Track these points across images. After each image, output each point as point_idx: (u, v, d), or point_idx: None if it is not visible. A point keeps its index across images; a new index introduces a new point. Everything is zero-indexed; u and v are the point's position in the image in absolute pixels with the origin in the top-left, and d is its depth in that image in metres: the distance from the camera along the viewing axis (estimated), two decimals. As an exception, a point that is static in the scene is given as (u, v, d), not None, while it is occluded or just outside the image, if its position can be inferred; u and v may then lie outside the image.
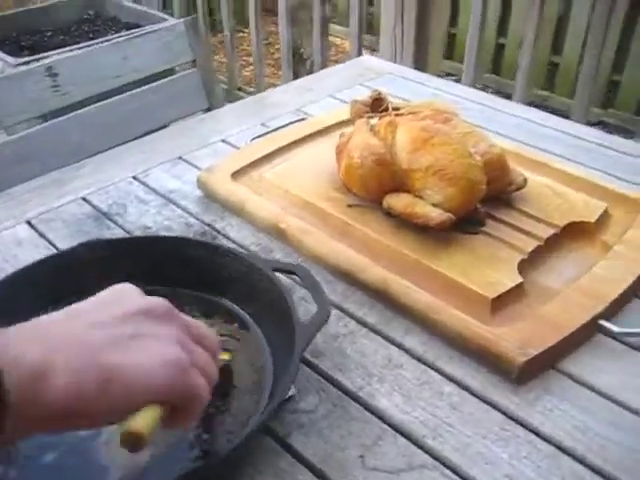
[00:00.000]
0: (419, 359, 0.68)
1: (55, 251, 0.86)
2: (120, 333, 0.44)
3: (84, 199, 0.97)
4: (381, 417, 0.62)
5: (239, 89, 3.01)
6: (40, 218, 0.93)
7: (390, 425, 0.61)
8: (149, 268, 0.74)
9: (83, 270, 0.73)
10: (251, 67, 3.06)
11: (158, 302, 0.48)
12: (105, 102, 1.22)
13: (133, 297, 0.48)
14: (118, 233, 0.89)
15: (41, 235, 0.90)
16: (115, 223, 0.92)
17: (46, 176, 1.03)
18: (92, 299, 0.47)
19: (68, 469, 0.57)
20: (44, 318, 0.44)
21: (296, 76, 2.50)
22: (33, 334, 0.41)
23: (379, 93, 0.91)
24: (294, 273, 0.72)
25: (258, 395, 0.63)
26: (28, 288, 0.71)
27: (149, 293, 0.72)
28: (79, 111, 1.20)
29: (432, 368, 0.67)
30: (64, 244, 0.87)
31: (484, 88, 3.13)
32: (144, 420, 0.43)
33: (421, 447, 0.59)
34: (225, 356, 0.63)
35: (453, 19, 3.45)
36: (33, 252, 0.86)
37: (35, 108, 1.15)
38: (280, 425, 0.61)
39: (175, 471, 0.55)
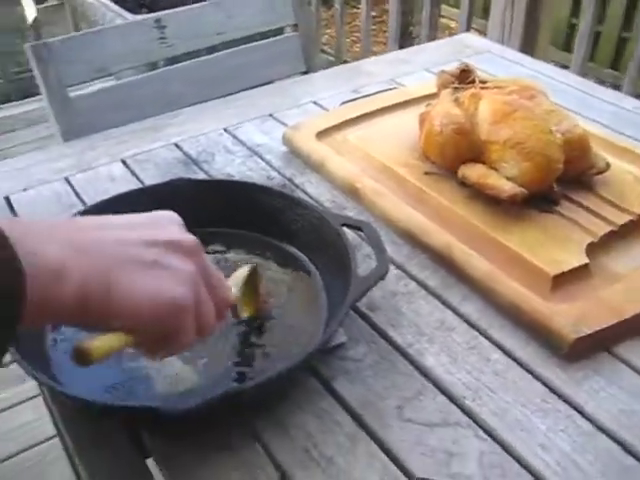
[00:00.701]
0: (472, 325, 0.69)
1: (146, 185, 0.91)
2: (140, 256, 0.44)
3: (176, 145, 1.02)
4: (425, 374, 0.63)
5: (344, 62, 3.02)
6: (134, 158, 0.99)
7: (433, 382, 0.63)
8: (226, 210, 0.79)
9: (167, 205, 0.77)
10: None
11: (189, 239, 0.48)
12: (207, 57, 1.27)
13: (168, 227, 0.48)
14: (204, 177, 0.94)
15: (133, 174, 0.96)
16: (201, 169, 0.96)
17: (143, 121, 1.09)
18: (130, 216, 0.48)
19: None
20: (78, 220, 0.46)
21: (402, 53, 2.49)
22: (58, 234, 0.42)
23: (467, 65, 0.91)
24: (361, 229, 0.74)
25: (308, 336, 0.66)
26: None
27: (219, 234, 0.78)
28: (182, 64, 1.26)
29: (483, 335, 0.68)
30: (152, 182, 0.93)
31: (601, 82, 3.01)
32: (101, 342, 0.44)
33: (460, 406, 0.60)
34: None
35: (576, 7, 3.32)
36: (124, 188, 0.91)
37: (141, 58, 1.21)
38: (327, 368, 0.64)
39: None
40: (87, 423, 0.60)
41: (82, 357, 0.44)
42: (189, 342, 0.48)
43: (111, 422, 0.60)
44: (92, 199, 0.89)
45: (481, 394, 0.61)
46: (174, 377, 0.61)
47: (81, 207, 0.88)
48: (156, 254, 0.45)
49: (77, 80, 1.14)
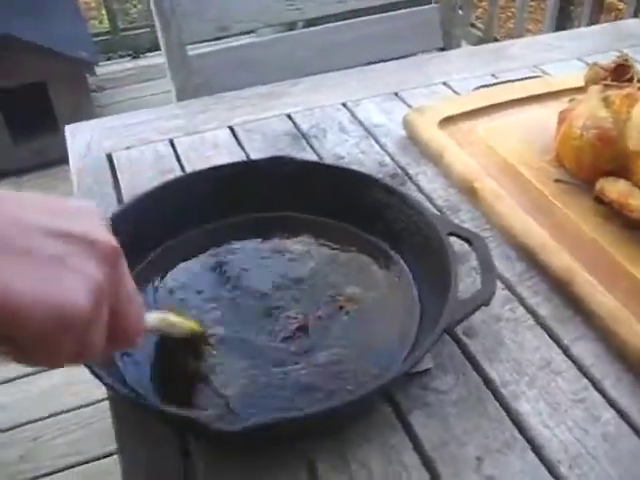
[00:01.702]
0: (583, 371, 0.58)
1: (245, 159, 0.86)
2: (37, 247, 0.35)
3: (288, 116, 0.96)
4: (517, 423, 0.54)
5: (495, 40, 2.84)
6: (243, 126, 0.94)
7: (524, 435, 0.53)
8: (324, 197, 0.72)
9: (265, 182, 0.72)
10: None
11: (107, 240, 0.39)
12: (336, 24, 1.19)
13: (87, 221, 0.39)
14: (310, 157, 0.87)
15: (238, 142, 0.90)
16: (311, 146, 0.90)
17: (260, 87, 1.03)
18: (46, 198, 0.39)
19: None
20: None
21: (558, 34, 2.29)
22: None
23: (626, 58, 0.78)
24: (470, 242, 0.65)
25: (390, 356, 0.58)
26: (203, 186, 0.71)
27: (314, 223, 0.72)
28: (308, 29, 1.19)
29: (595, 386, 0.57)
30: (256, 155, 0.87)
31: None
32: None
33: (552, 472, 0.51)
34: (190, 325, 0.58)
35: None
36: (225, 156, 0.87)
37: (267, 19, 1.15)
38: (405, 397, 0.56)
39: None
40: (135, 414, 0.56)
41: None
42: (58, 363, 0.38)
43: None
44: (192, 165, 0.85)
45: (581, 462, 0.51)
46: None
47: (179, 172, 0.84)
48: (60, 249, 0.36)
49: (198, 38, 1.09)
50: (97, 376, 0.50)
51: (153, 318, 0.53)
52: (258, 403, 0.55)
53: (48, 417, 1.52)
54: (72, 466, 1.43)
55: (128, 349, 0.44)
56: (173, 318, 0.55)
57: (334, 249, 0.70)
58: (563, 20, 2.37)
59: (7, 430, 1.49)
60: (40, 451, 1.47)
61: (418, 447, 0.53)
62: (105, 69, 2.89)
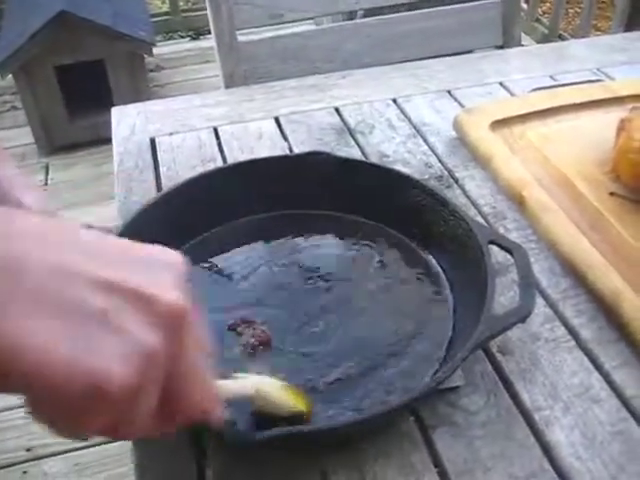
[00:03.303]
0: (624, 401, 0.55)
1: (287, 153, 0.84)
2: (77, 300, 0.29)
3: (336, 109, 0.94)
4: (548, 452, 0.51)
5: (560, 37, 2.76)
6: (288, 117, 0.92)
7: (554, 466, 0.50)
8: (362, 196, 0.70)
9: (300, 177, 0.70)
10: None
11: (173, 300, 0.31)
12: (391, 16, 1.16)
13: (155, 273, 0.32)
14: (354, 153, 0.85)
15: (282, 134, 0.89)
16: (356, 142, 0.87)
17: (309, 78, 1.01)
18: (114, 242, 0.33)
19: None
20: (38, 223, 0.31)
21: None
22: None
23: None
24: (511, 253, 0.62)
25: (418, 370, 0.56)
26: (240, 178, 0.70)
27: (346, 221, 0.69)
28: (362, 20, 1.16)
29: (637, 420, 0.53)
30: (299, 148, 0.85)
31: None
32: None
33: (581, 508, 0.48)
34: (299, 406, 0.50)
35: None
36: (268, 148, 0.85)
37: (321, 8, 1.13)
38: (430, 413, 0.54)
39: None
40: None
41: None
42: (82, 435, 0.32)
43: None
44: (233, 155, 0.84)
45: (613, 500, 0.48)
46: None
47: (220, 162, 0.83)
48: (107, 305, 0.30)
49: (249, 24, 1.07)
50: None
51: (247, 386, 0.47)
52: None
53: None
54: (107, 442, 1.45)
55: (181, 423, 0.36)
56: (273, 392, 0.49)
57: (368, 250, 0.68)
58: (634, 21, 2.27)
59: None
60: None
61: (440, 468, 0.50)
62: (165, 49, 2.91)
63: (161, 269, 0.32)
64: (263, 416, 0.48)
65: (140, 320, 0.30)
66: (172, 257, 0.33)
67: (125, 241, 0.33)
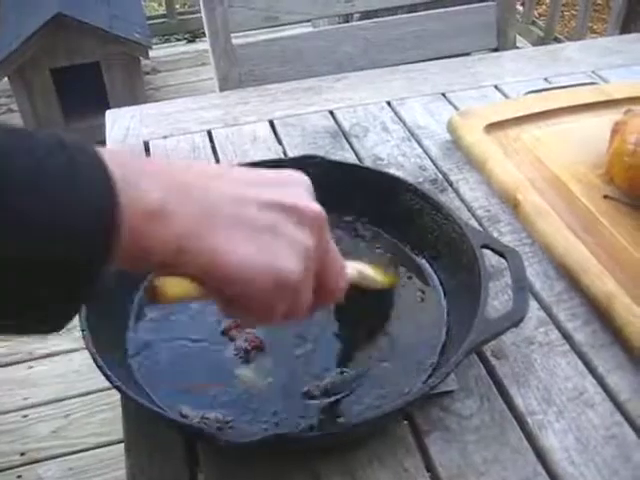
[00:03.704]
0: (618, 405, 0.54)
1: (281, 156, 0.84)
2: (254, 219, 0.39)
3: (330, 112, 0.94)
4: (541, 457, 0.51)
5: (555, 39, 2.76)
6: (283, 120, 0.92)
7: (548, 471, 0.50)
8: (354, 200, 0.70)
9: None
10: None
11: (315, 208, 0.41)
12: (386, 19, 1.15)
13: (296, 190, 0.42)
14: (349, 156, 0.85)
15: (277, 137, 0.88)
16: (350, 145, 0.87)
17: (304, 81, 1.01)
18: (255, 171, 0.42)
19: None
20: (196, 165, 0.42)
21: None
22: (165, 175, 0.37)
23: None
24: (504, 257, 0.61)
25: (411, 374, 0.56)
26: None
27: (346, 226, 0.69)
28: (357, 23, 1.15)
29: (630, 423, 0.53)
30: (293, 151, 0.85)
31: None
32: (179, 287, 0.40)
33: (574, 513, 0.48)
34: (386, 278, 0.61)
35: None
36: (262, 151, 0.85)
37: (316, 11, 1.12)
38: (424, 418, 0.54)
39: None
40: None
41: (155, 295, 0.41)
42: (273, 320, 0.41)
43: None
44: (227, 159, 0.84)
45: (607, 505, 0.48)
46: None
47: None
48: (273, 219, 0.39)
49: (243, 27, 1.07)
50: (107, 377, 0.49)
51: (350, 271, 0.52)
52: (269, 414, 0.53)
53: (79, 395, 1.53)
54: (102, 445, 1.44)
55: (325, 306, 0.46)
56: (368, 271, 0.57)
57: (362, 253, 0.68)
58: (629, 23, 2.28)
59: (39, 405, 1.51)
60: (71, 428, 1.48)
61: (433, 474, 0.50)
62: (160, 52, 2.90)
63: (297, 186, 0.42)
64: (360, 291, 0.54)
65: (299, 227, 0.40)
66: (300, 176, 0.43)
67: (265, 170, 0.43)
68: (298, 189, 0.42)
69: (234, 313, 0.43)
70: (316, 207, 0.41)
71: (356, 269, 0.55)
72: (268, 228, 0.39)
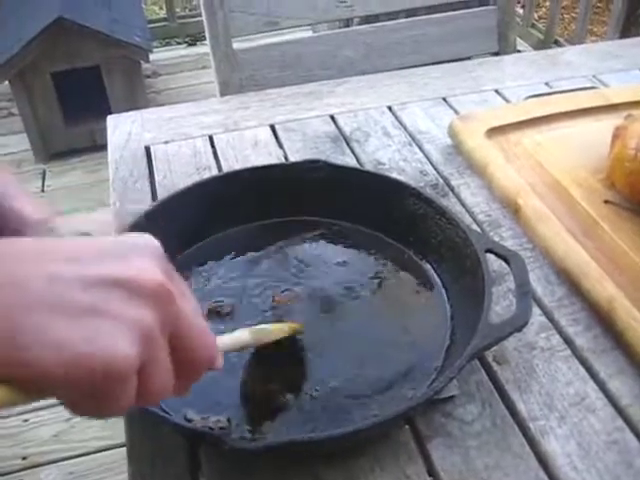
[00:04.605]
0: (620, 410, 0.55)
1: (283, 161, 0.84)
2: (71, 300, 0.33)
3: (331, 117, 0.94)
4: (543, 462, 0.51)
5: (555, 42, 2.76)
6: (284, 125, 0.92)
7: (549, 476, 0.50)
8: (358, 205, 0.70)
9: (297, 185, 0.71)
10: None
11: (155, 278, 0.35)
12: (387, 23, 1.16)
13: (133, 260, 0.36)
14: (350, 161, 0.85)
15: (278, 142, 0.89)
16: (351, 150, 0.87)
17: (305, 85, 1.01)
18: (86, 242, 0.37)
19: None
20: (15, 242, 0.35)
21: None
22: None
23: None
24: (507, 261, 0.61)
25: (414, 380, 0.56)
26: (236, 187, 0.70)
27: (349, 230, 0.69)
28: (358, 27, 1.16)
29: (632, 428, 0.53)
30: (295, 156, 0.85)
31: None
32: None
33: (576, 519, 0.48)
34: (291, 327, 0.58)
35: None
36: (264, 156, 0.85)
37: (317, 16, 1.13)
38: (425, 424, 0.54)
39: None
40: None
41: None
42: (117, 412, 0.35)
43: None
44: (229, 164, 0.84)
45: (609, 511, 0.48)
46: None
47: (215, 170, 0.83)
48: (95, 297, 0.33)
49: (244, 32, 1.07)
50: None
51: (241, 335, 0.51)
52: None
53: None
54: (104, 449, 1.44)
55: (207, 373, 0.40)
56: (263, 326, 0.55)
57: (365, 258, 0.68)
58: (629, 27, 2.28)
59: (40, 409, 1.51)
60: (72, 432, 1.48)
61: (434, 478, 0.50)
62: (161, 55, 2.91)
63: (140, 255, 0.36)
64: (265, 352, 0.55)
65: (127, 302, 0.34)
66: (146, 243, 0.37)
67: (101, 239, 0.37)
68: (141, 259, 0.36)
69: (78, 412, 0.35)
70: (153, 275, 0.35)
71: (248, 331, 0.52)
72: (89, 309, 0.33)
